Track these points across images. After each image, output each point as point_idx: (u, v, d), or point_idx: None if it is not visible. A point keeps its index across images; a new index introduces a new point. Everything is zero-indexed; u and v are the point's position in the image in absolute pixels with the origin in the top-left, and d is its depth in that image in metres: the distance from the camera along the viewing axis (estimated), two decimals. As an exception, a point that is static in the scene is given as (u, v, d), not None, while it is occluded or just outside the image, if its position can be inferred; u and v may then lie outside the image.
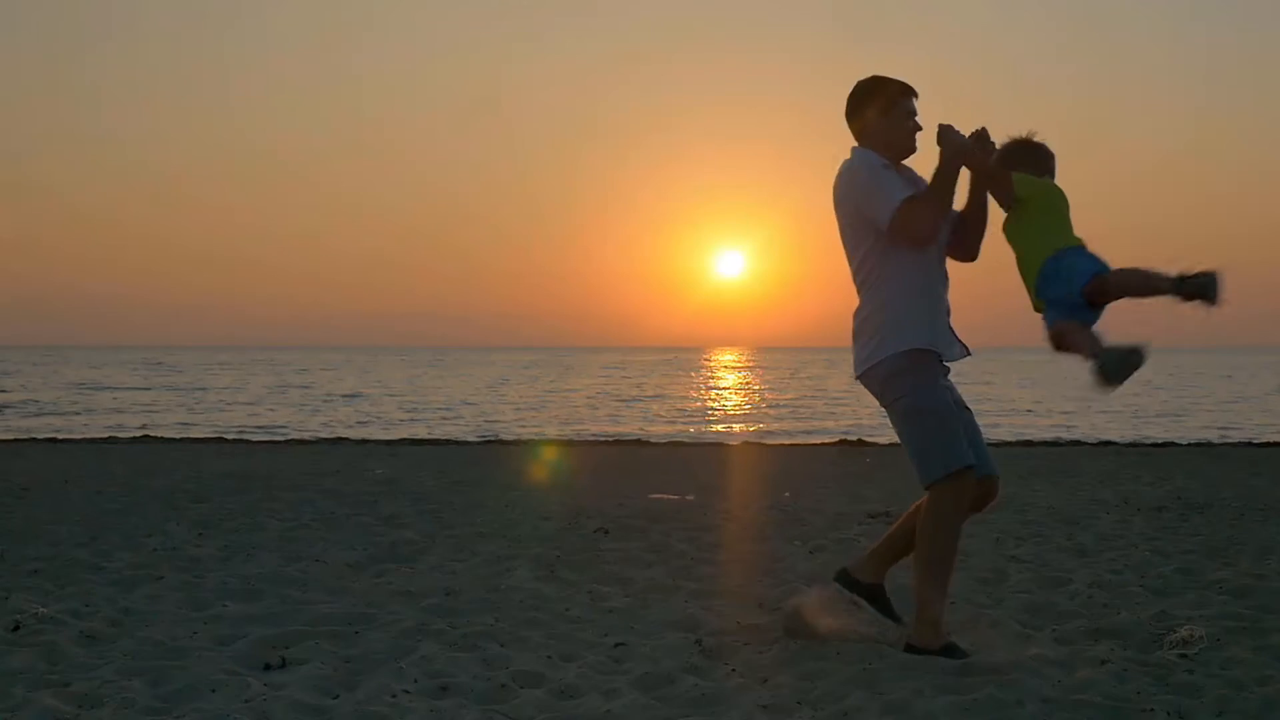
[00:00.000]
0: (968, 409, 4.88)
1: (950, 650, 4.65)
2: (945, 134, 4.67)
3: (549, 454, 15.91)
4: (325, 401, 37.65)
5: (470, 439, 21.75)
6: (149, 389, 44.84)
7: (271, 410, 33.34)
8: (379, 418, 30.46)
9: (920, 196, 4.69)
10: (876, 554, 5.05)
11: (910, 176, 4.84)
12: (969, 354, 4.87)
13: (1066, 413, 31.13)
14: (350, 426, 26.41)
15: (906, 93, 4.81)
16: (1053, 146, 4.84)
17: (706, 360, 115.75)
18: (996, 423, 26.74)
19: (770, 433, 26.01)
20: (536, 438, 22.20)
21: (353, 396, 40.24)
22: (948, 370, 4.86)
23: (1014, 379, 55.32)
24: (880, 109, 4.80)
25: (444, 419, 30.16)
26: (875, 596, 5.01)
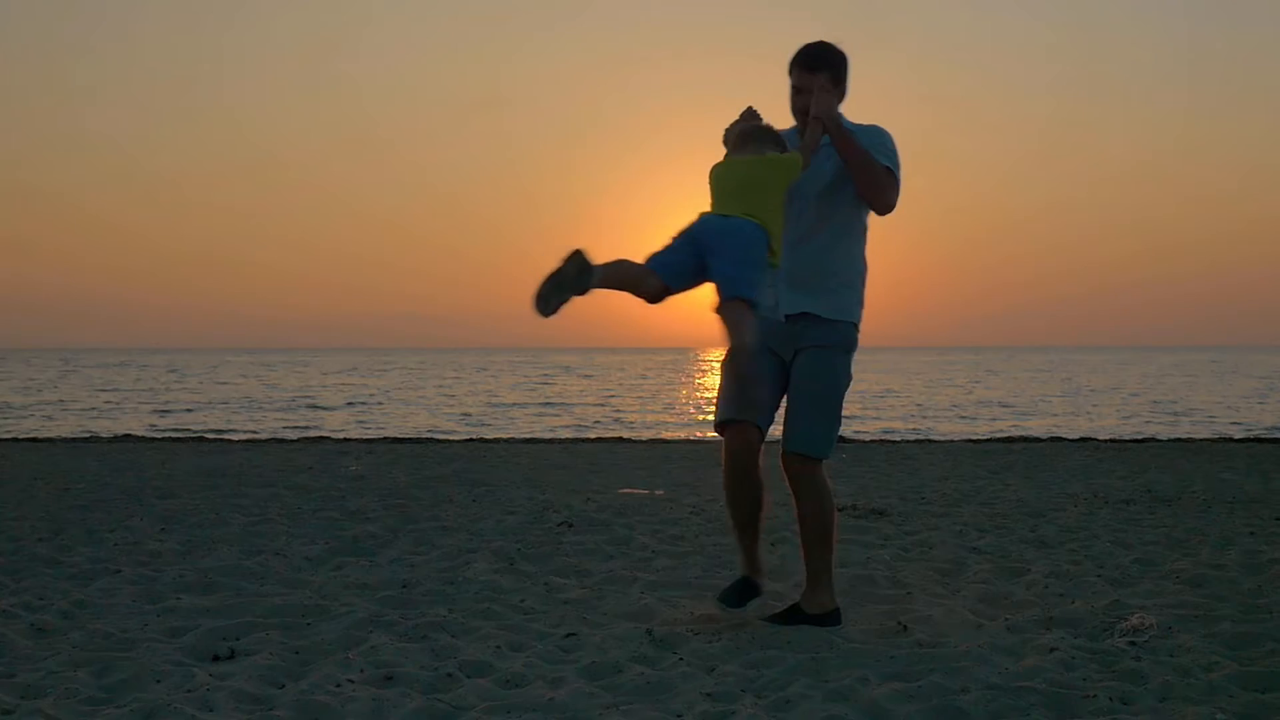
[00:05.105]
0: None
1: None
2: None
3: (527, 450, 15.87)
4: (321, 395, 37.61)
5: (451, 436, 21.70)
6: (145, 390, 44.78)
7: (264, 409, 33.27)
8: (372, 414, 30.44)
9: None
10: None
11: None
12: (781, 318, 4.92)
13: (1056, 414, 31.16)
14: (343, 427, 26.35)
15: (790, 66, 4.92)
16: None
17: (699, 360, 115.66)
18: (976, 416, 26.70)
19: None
20: (518, 435, 22.17)
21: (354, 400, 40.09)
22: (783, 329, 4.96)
23: (1015, 376, 55.43)
24: None
25: (431, 416, 30.12)
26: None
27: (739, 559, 5.17)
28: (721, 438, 5.03)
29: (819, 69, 4.82)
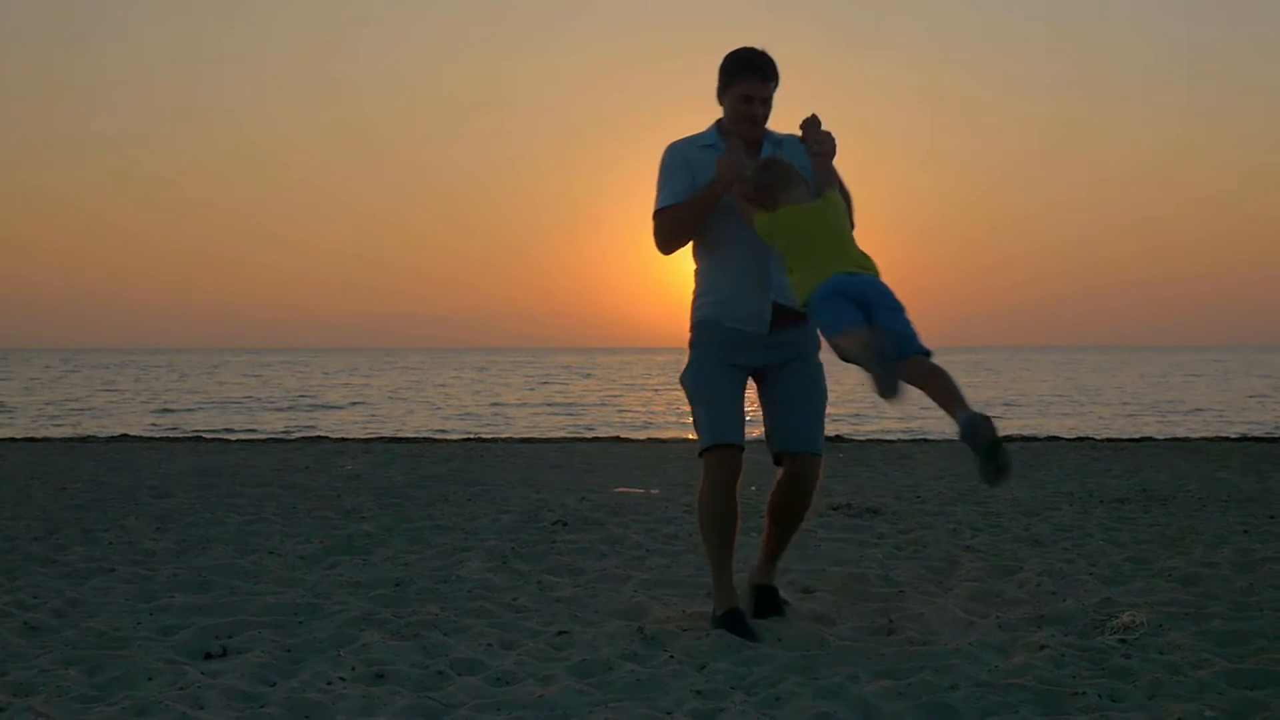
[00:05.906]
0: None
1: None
2: (722, 158, 4.71)
3: (524, 450, 15.88)
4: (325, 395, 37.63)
5: (449, 436, 21.68)
6: (144, 390, 44.81)
7: (261, 410, 33.29)
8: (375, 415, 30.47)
9: (669, 210, 4.80)
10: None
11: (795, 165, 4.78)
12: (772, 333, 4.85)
13: (1063, 413, 31.16)
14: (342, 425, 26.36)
15: (738, 72, 4.76)
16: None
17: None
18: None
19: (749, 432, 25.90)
20: (515, 435, 22.17)
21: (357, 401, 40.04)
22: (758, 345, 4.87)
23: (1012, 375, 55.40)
24: (720, 87, 4.84)
25: (430, 417, 30.14)
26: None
27: (723, 592, 4.93)
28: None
29: (771, 78, 4.75)
